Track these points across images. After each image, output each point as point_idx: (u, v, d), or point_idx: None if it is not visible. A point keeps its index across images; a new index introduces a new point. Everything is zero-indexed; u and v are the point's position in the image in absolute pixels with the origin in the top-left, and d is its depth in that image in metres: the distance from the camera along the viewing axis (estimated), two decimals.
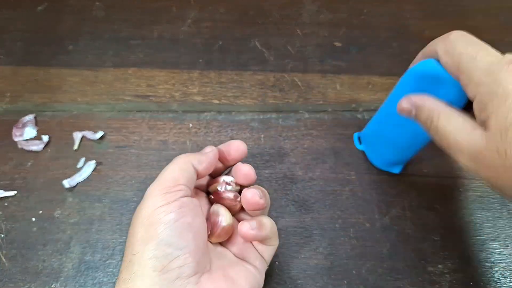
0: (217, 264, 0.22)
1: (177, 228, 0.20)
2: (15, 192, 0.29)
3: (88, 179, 0.29)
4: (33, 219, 0.28)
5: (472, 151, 0.19)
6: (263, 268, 0.23)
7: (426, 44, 0.36)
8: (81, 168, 0.30)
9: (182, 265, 0.19)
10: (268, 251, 0.23)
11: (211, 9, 0.39)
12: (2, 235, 0.27)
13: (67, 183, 0.29)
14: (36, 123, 0.32)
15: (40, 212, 0.28)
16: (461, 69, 0.20)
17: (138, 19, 0.38)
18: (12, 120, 0.32)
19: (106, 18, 0.38)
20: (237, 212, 0.24)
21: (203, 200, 0.24)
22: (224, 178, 0.24)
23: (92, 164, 0.30)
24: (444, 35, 0.22)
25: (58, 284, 0.26)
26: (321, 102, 0.33)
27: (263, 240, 0.23)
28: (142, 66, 0.35)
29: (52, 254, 0.27)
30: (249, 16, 0.39)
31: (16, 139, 0.31)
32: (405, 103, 0.22)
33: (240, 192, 0.23)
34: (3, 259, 0.26)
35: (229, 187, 0.24)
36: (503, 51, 0.36)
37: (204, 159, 0.23)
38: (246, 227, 0.21)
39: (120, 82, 0.34)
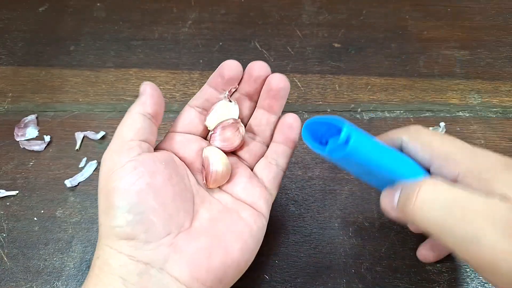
0: (204, 217, 0.20)
1: (134, 192, 0.18)
2: (17, 191, 0.29)
3: (89, 179, 0.30)
4: (35, 218, 0.28)
5: (497, 220, 0.14)
6: (266, 213, 0.22)
7: (425, 45, 0.37)
8: (82, 168, 0.30)
9: (147, 230, 0.18)
10: (274, 181, 0.22)
11: (212, 10, 0.39)
12: (4, 234, 0.28)
13: (68, 182, 0.29)
14: (38, 123, 0.32)
15: (42, 211, 0.28)
16: (434, 154, 0.18)
17: (139, 20, 0.38)
18: (13, 120, 0.32)
19: (107, 18, 0.39)
20: (238, 150, 0.23)
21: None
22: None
23: (93, 164, 0.30)
24: (404, 127, 0.20)
25: (60, 283, 0.26)
26: (320, 102, 0.34)
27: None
28: (143, 67, 0.35)
29: (54, 253, 0.27)
30: (249, 17, 0.39)
31: (18, 139, 0.31)
32: (386, 193, 0.19)
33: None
34: (5, 258, 0.27)
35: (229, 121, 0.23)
36: (502, 51, 0.37)
37: (145, 99, 0.21)
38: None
39: (121, 82, 0.35)
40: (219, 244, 0.19)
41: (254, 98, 0.25)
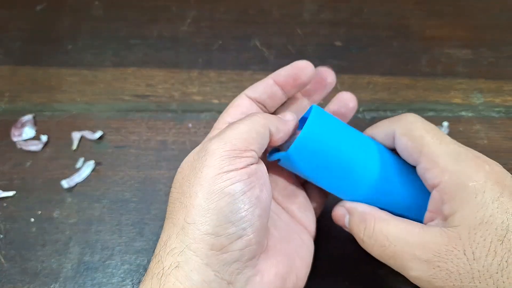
0: (276, 236, 0.19)
1: (244, 202, 0.16)
2: (14, 192, 0.29)
3: (87, 179, 0.29)
4: (32, 219, 0.28)
5: (427, 255, 0.16)
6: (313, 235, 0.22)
7: (427, 44, 0.36)
8: (80, 168, 0.30)
9: (244, 247, 0.16)
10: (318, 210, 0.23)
11: (211, 9, 0.39)
12: (1, 236, 0.27)
13: (66, 183, 0.29)
14: (35, 123, 0.32)
15: (39, 212, 0.28)
16: (424, 152, 0.18)
17: (137, 19, 0.38)
18: (10, 120, 0.32)
19: (105, 17, 0.38)
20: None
21: None
22: None
23: (91, 164, 0.30)
24: (398, 116, 0.20)
25: (57, 285, 0.26)
26: (321, 101, 0.33)
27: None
28: (142, 66, 0.35)
29: (51, 254, 0.27)
30: (249, 15, 0.38)
31: (14, 139, 0.31)
32: (338, 208, 0.21)
33: None
34: (2, 260, 0.26)
35: None
36: (506, 50, 0.37)
37: (283, 128, 0.19)
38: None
39: (119, 81, 0.34)
40: (291, 270, 0.18)
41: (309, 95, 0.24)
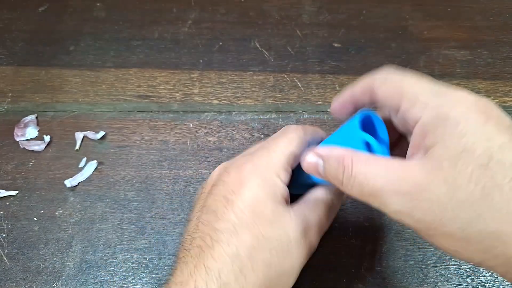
0: None
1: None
2: (17, 191, 0.29)
3: (89, 179, 0.30)
4: (35, 218, 0.28)
5: (407, 187, 0.15)
6: None
7: (425, 45, 0.37)
8: (82, 168, 0.30)
9: None
10: None
11: (212, 10, 0.39)
12: (4, 234, 0.27)
13: (68, 182, 0.29)
14: (38, 123, 0.32)
15: (42, 211, 0.28)
16: (404, 92, 0.17)
17: (139, 20, 0.38)
18: (13, 120, 0.32)
19: (107, 18, 0.39)
20: None
21: None
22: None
23: (93, 164, 0.30)
24: (374, 72, 0.19)
25: (60, 283, 0.26)
26: (320, 102, 0.34)
27: None
28: (143, 67, 0.35)
29: (54, 253, 0.27)
30: (249, 17, 0.39)
31: (17, 139, 0.31)
32: (309, 157, 0.19)
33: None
34: (5, 258, 0.27)
35: None
36: (503, 51, 0.37)
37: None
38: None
39: (121, 82, 0.35)
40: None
41: None
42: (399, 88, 0.17)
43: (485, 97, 0.17)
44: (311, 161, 0.19)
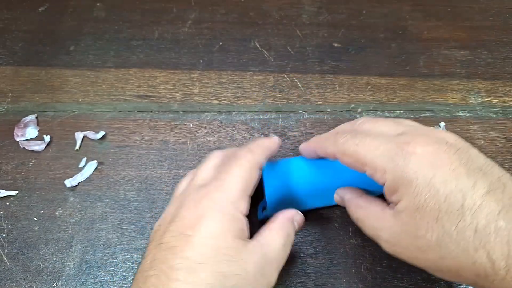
0: None
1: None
2: (17, 191, 0.29)
3: (89, 179, 0.30)
4: (35, 218, 0.28)
5: (388, 235, 0.19)
6: None
7: (425, 45, 0.37)
8: (82, 167, 0.30)
9: None
10: None
11: (211, 10, 0.39)
12: (4, 234, 0.27)
13: (68, 182, 0.29)
14: (38, 123, 0.32)
15: (42, 211, 0.28)
16: (363, 162, 0.20)
17: (139, 20, 0.38)
18: (13, 120, 0.32)
19: (107, 18, 0.39)
20: None
21: None
22: None
23: (93, 164, 0.30)
24: (331, 139, 0.22)
25: (60, 283, 0.26)
26: (320, 102, 0.34)
27: None
28: (143, 67, 0.35)
29: (54, 253, 0.27)
30: (249, 17, 0.39)
31: (17, 139, 0.31)
32: (336, 196, 0.24)
33: None
34: (5, 258, 0.27)
35: None
36: (503, 51, 0.37)
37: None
38: None
39: (121, 82, 0.35)
40: None
41: None
42: (358, 159, 0.20)
43: (431, 143, 0.19)
44: (337, 199, 0.24)
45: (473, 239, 0.16)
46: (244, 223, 0.20)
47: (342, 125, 0.25)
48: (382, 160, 0.19)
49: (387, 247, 0.20)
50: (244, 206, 0.20)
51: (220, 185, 0.20)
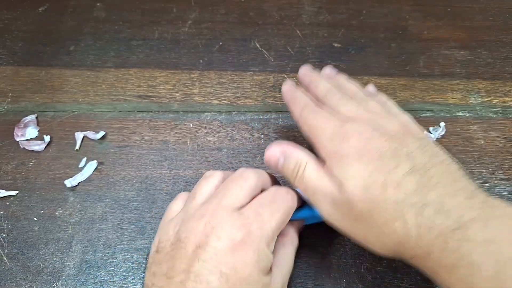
0: None
1: None
2: (17, 191, 0.29)
3: (89, 179, 0.30)
4: (35, 218, 0.28)
5: (330, 198, 0.20)
6: None
7: (425, 45, 0.37)
8: (82, 167, 0.30)
9: None
10: None
11: (211, 10, 0.39)
12: (4, 234, 0.28)
13: (68, 182, 0.29)
14: (38, 123, 0.32)
15: (42, 211, 0.28)
16: (313, 138, 0.23)
17: (139, 20, 0.38)
18: (13, 120, 0.32)
19: (107, 18, 0.39)
20: None
21: None
22: None
23: (93, 164, 0.30)
24: (300, 104, 0.25)
25: (60, 283, 0.26)
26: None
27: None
28: (143, 67, 0.35)
29: (54, 253, 0.27)
30: (249, 17, 0.39)
31: (17, 139, 0.31)
32: (274, 150, 0.23)
33: None
34: (5, 258, 0.27)
35: None
36: (503, 51, 0.37)
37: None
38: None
39: (121, 82, 0.35)
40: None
41: None
42: (310, 134, 0.23)
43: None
44: (274, 154, 0.23)
45: (393, 210, 0.18)
46: (271, 260, 0.20)
47: (322, 81, 0.26)
48: (325, 139, 0.22)
49: (329, 211, 0.21)
50: (273, 245, 0.20)
51: (260, 222, 0.20)
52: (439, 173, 0.19)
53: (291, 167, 0.22)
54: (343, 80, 0.27)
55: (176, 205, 0.23)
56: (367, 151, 0.20)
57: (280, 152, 0.23)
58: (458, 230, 0.17)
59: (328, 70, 0.29)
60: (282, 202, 0.21)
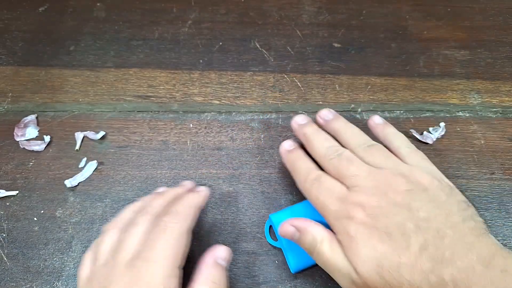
0: None
1: None
2: (17, 191, 0.29)
3: (89, 179, 0.30)
4: (35, 218, 0.28)
5: (348, 278, 0.20)
6: None
7: (425, 45, 0.37)
8: (82, 168, 0.30)
9: None
10: None
11: (211, 10, 0.39)
12: (4, 235, 0.28)
13: (68, 182, 0.29)
14: (38, 123, 0.32)
15: (42, 211, 0.28)
16: (322, 214, 0.23)
17: (139, 20, 0.38)
18: (13, 120, 0.32)
19: (107, 18, 0.39)
20: None
21: None
22: None
23: (93, 164, 0.30)
24: (302, 173, 0.24)
25: (60, 283, 0.26)
26: (320, 102, 0.34)
27: None
28: (143, 67, 0.35)
29: (54, 253, 0.27)
30: (249, 17, 0.39)
31: (17, 139, 0.31)
32: (287, 227, 0.23)
33: None
34: (5, 258, 0.27)
35: None
36: (503, 51, 0.37)
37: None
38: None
39: (121, 82, 0.35)
40: None
41: None
42: (317, 207, 0.23)
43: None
44: (288, 230, 0.23)
45: None
46: None
47: (316, 140, 0.25)
48: (332, 219, 0.22)
49: (343, 285, 0.21)
50: (175, 283, 0.19)
51: (145, 267, 0.19)
52: (453, 242, 0.18)
53: (307, 242, 0.22)
54: (344, 128, 0.26)
55: (107, 245, 0.22)
56: (375, 229, 0.20)
57: (295, 229, 0.23)
58: None
59: (325, 114, 0.27)
60: (166, 234, 0.20)
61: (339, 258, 0.20)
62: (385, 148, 0.24)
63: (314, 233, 0.22)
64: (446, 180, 0.23)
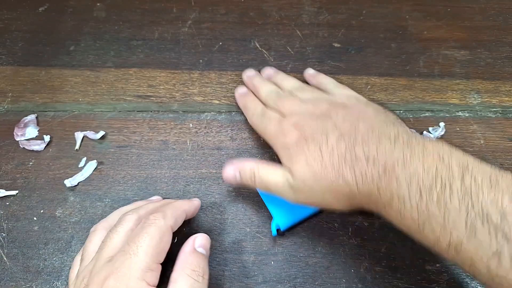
0: None
1: None
2: (17, 191, 0.29)
3: (89, 179, 0.30)
4: (35, 218, 0.28)
5: (288, 185, 0.24)
6: None
7: (425, 45, 0.37)
8: (82, 167, 0.30)
9: None
10: None
11: (211, 10, 0.39)
12: (4, 234, 0.28)
13: (68, 182, 0.29)
14: (38, 123, 0.32)
15: (42, 211, 0.28)
16: (267, 141, 0.27)
17: (139, 20, 0.38)
18: (13, 120, 0.32)
19: (107, 18, 0.39)
20: None
21: None
22: None
23: (93, 164, 0.30)
24: (247, 102, 0.31)
25: (59, 283, 0.26)
26: None
27: None
28: (143, 67, 0.35)
29: (54, 253, 0.27)
30: (249, 16, 0.39)
31: (17, 139, 0.31)
32: (229, 169, 0.26)
33: None
34: (5, 258, 0.27)
35: None
36: (502, 51, 0.37)
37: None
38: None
39: (121, 82, 0.35)
40: None
41: None
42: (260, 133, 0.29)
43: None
44: (230, 173, 0.26)
45: (333, 173, 0.22)
46: None
47: (262, 86, 0.31)
48: (280, 148, 0.25)
49: (289, 196, 0.24)
50: (153, 277, 0.19)
51: (126, 259, 0.19)
52: (365, 130, 0.22)
53: (247, 177, 0.25)
54: (282, 77, 0.32)
55: (94, 245, 0.23)
56: (303, 137, 0.24)
57: (234, 169, 0.26)
58: (385, 174, 0.20)
59: (268, 71, 0.33)
60: (149, 229, 0.21)
61: (275, 172, 0.24)
62: (315, 88, 0.30)
63: (250, 165, 0.25)
64: (366, 100, 0.28)
